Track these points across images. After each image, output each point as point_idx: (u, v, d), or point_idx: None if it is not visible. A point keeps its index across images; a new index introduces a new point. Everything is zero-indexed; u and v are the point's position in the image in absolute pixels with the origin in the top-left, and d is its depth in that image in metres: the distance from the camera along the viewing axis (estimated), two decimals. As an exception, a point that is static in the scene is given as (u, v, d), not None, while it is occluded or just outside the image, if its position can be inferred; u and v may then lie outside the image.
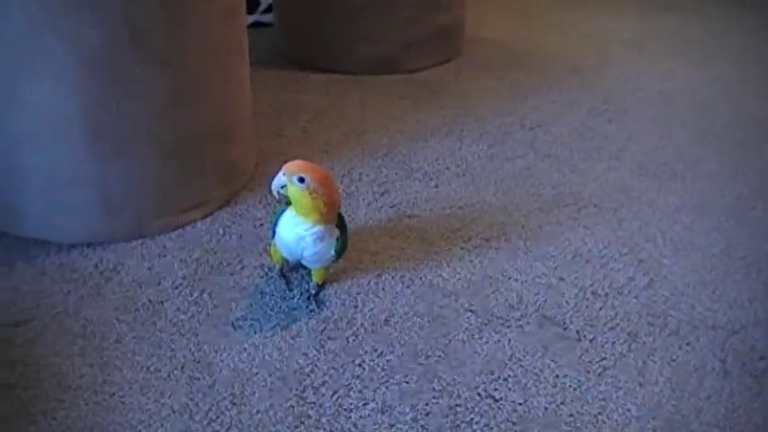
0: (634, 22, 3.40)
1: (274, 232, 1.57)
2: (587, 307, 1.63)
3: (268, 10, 3.12)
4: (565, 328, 1.57)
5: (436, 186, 2.03)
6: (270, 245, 1.64)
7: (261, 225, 1.86)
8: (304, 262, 1.59)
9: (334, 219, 1.55)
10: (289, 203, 1.54)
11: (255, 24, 3.08)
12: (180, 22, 1.71)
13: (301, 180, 1.48)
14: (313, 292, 1.63)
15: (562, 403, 1.40)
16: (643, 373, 1.47)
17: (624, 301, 1.65)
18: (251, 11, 3.07)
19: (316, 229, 1.52)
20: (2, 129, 1.71)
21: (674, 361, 1.50)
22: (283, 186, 1.51)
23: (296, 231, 1.53)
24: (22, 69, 1.63)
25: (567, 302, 1.64)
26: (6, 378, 1.45)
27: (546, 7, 3.57)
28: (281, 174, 1.50)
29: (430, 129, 2.34)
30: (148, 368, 1.47)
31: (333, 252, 1.56)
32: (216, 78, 1.85)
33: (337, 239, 1.55)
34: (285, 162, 1.51)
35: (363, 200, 1.97)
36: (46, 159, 1.72)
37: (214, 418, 1.36)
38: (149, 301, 1.63)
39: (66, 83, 1.64)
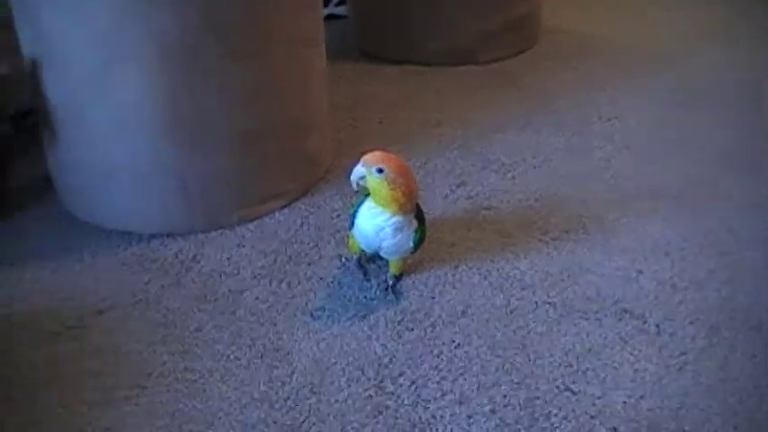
0: (716, 9, 3.33)
1: (353, 223, 1.58)
2: (666, 300, 1.60)
3: (341, 2, 3.13)
4: (644, 322, 1.55)
5: (513, 178, 2.02)
6: (348, 236, 1.64)
7: (338, 216, 1.87)
8: (382, 253, 1.59)
9: (413, 209, 1.55)
10: (367, 194, 1.54)
11: (329, 17, 3.10)
12: (260, 14, 1.73)
13: (380, 171, 1.48)
14: (390, 283, 1.63)
15: (641, 397, 1.38)
16: (724, 368, 1.44)
17: (704, 294, 1.62)
18: (324, 4, 3.08)
19: (395, 219, 1.52)
20: (88, 123, 1.74)
21: (755, 357, 1.47)
22: (362, 177, 1.51)
23: (375, 222, 1.53)
24: (109, 64, 1.67)
25: (645, 296, 1.62)
26: (90, 365, 1.48)
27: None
28: (359, 165, 1.51)
29: (506, 120, 2.32)
30: (228, 356, 1.49)
31: (411, 243, 1.56)
32: (294, 70, 1.86)
33: (416, 231, 1.55)
34: (362, 153, 1.51)
35: (440, 191, 1.96)
36: (129, 152, 1.75)
37: (293, 406, 1.38)
38: (228, 290, 1.65)
39: (150, 76, 1.67)
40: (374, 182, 1.50)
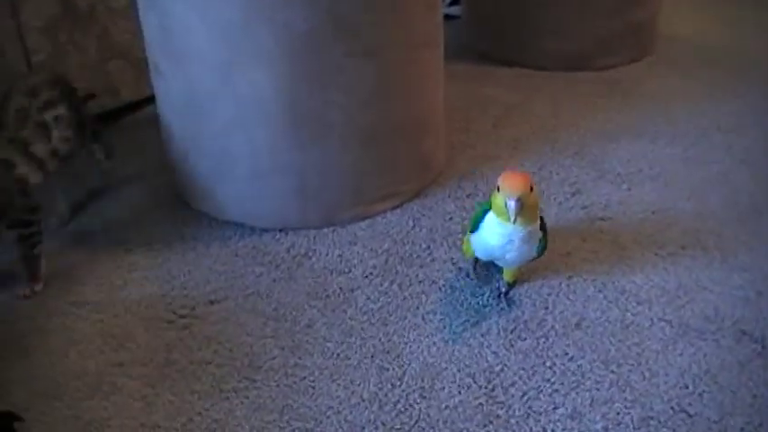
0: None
1: (473, 230, 1.56)
2: (789, 324, 1.56)
3: (455, 2, 3.11)
4: (763, 346, 1.50)
5: (629, 189, 1.98)
6: (464, 240, 1.63)
7: (450, 219, 1.86)
8: (500, 262, 1.58)
9: (537, 219, 1.53)
10: (490, 206, 1.51)
11: (443, 17, 3.07)
12: (383, 14, 1.72)
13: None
14: (504, 290, 1.62)
15: (760, 425, 1.34)
16: None
17: (828, 320, 1.57)
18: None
19: (524, 231, 1.48)
20: (212, 115, 1.77)
21: None
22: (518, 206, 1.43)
23: (502, 234, 1.48)
24: (235, 57, 1.68)
25: (765, 318, 1.57)
26: (202, 355, 1.50)
27: (743, 3, 3.43)
28: (511, 200, 1.40)
29: (622, 129, 2.28)
30: (338, 355, 1.49)
31: (535, 253, 1.54)
32: (413, 71, 1.86)
33: (540, 240, 1.53)
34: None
35: (555, 199, 1.94)
36: (250, 146, 1.77)
37: (403, 410, 1.37)
38: (340, 288, 1.66)
39: (274, 71, 1.68)
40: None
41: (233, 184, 1.82)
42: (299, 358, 1.49)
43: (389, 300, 1.62)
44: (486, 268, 1.68)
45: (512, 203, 1.40)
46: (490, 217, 1.51)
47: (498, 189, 1.43)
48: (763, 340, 1.51)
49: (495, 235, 1.50)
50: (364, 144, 1.80)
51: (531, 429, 1.33)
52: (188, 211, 1.92)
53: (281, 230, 1.83)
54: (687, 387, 1.41)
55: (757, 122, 2.33)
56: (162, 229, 1.86)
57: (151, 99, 1.99)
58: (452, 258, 1.73)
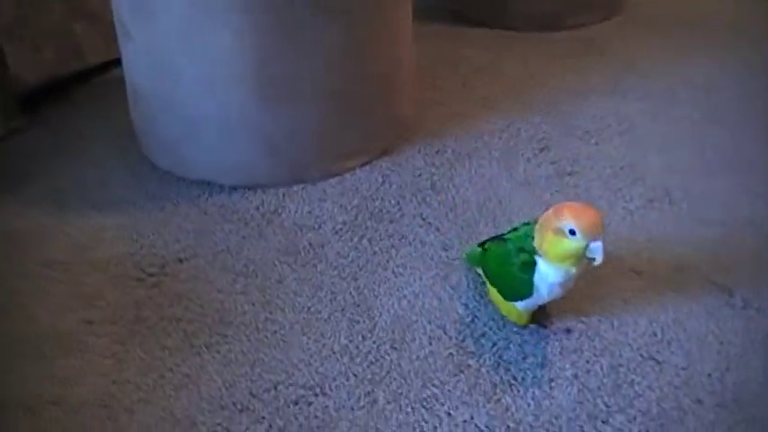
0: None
1: (524, 296, 1.35)
2: (754, 275, 1.57)
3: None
4: (730, 295, 1.51)
5: (597, 144, 1.99)
6: (510, 310, 1.42)
7: (419, 175, 1.86)
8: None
9: None
10: (528, 258, 1.32)
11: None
12: (350, -30, 1.72)
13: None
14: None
15: (727, 370, 1.36)
16: (815, 346, 1.41)
17: (796, 271, 1.59)
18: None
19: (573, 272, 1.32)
20: (176, 74, 1.76)
21: None
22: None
23: (559, 281, 1.31)
24: (199, 17, 1.67)
25: (733, 268, 1.58)
26: (172, 312, 1.50)
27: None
28: (599, 243, 1.25)
29: (591, 87, 2.28)
30: (309, 309, 1.49)
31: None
32: (381, 29, 1.85)
33: None
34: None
35: (523, 155, 1.94)
36: (216, 105, 1.76)
37: (374, 361, 1.38)
38: (310, 244, 1.65)
39: (240, 30, 1.67)
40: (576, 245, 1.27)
41: (201, 143, 1.81)
42: (270, 313, 1.49)
43: (359, 255, 1.62)
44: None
45: (599, 246, 1.25)
46: (543, 265, 1.31)
47: (560, 230, 1.26)
48: (730, 289, 1.53)
49: (554, 285, 1.32)
50: (332, 101, 1.80)
51: (501, 378, 1.34)
52: (156, 172, 1.90)
53: (249, 188, 1.82)
54: (656, 335, 1.42)
55: (727, 80, 2.34)
56: (130, 190, 1.85)
57: (119, 61, 1.96)
58: (422, 214, 1.73)
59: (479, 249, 1.47)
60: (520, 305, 1.38)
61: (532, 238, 1.31)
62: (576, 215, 1.24)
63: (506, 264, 1.35)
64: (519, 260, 1.32)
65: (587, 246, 1.24)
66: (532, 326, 1.44)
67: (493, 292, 1.42)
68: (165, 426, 1.28)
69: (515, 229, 1.41)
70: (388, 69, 1.90)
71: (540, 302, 1.38)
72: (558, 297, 1.36)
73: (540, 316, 1.45)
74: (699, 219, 1.72)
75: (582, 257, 1.27)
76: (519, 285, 1.34)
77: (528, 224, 1.37)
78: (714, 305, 1.49)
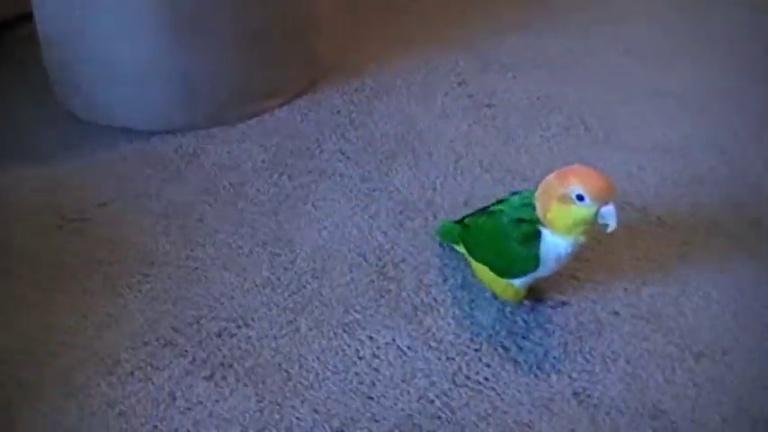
0: None
1: (526, 272, 1.24)
2: (668, 195, 1.60)
3: None
4: (645, 214, 1.55)
5: (514, 77, 2.01)
6: (505, 287, 1.30)
7: (338, 112, 1.86)
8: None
9: None
10: (531, 230, 1.21)
11: None
12: None
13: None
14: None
15: (642, 284, 1.39)
16: (724, 259, 1.45)
17: (705, 190, 1.62)
18: None
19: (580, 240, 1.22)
20: (90, 25, 1.73)
21: (754, 249, 1.47)
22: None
23: (566, 252, 1.21)
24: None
25: (647, 189, 1.61)
26: (93, 255, 1.49)
27: None
28: (612, 208, 1.16)
29: (508, 24, 2.29)
30: (230, 245, 1.49)
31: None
32: (296, -34, 1.84)
33: None
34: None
35: (441, 89, 1.95)
36: (130, 49, 1.74)
37: (295, 290, 1.39)
38: (230, 183, 1.65)
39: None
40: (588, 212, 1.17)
41: (117, 90, 1.79)
42: (191, 251, 1.48)
43: (279, 191, 1.62)
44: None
45: (611, 210, 1.16)
46: (549, 236, 1.20)
47: (567, 197, 1.16)
48: (645, 210, 1.56)
49: (562, 257, 1.22)
50: (247, 42, 1.79)
51: (422, 300, 1.36)
52: (74, 122, 1.87)
53: (168, 132, 1.80)
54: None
55: (642, 14, 2.37)
56: (48, 141, 1.82)
57: (29, 15, 1.92)
58: (341, 149, 1.74)
59: (457, 226, 1.38)
60: (517, 282, 1.27)
61: (532, 206, 1.21)
62: (582, 179, 1.15)
63: (501, 238, 1.23)
64: (519, 232, 1.21)
65: (598, 211, 1.16)
66: (527, 302, 1.34)
67: (480, 271, 1.32)
68: (88, 365, 1.27)
69: (502, 201, 1.29)
70: (304, 10, 1.90)
71: (542, 276, 1.27)
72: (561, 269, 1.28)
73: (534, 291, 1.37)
74: (614, 144, 1.75)
75: (592, 224, 1.18)
76: (521, 260, 1.22)
77: (518, 193, 1.28)
78: (629, 224, 1.51)
